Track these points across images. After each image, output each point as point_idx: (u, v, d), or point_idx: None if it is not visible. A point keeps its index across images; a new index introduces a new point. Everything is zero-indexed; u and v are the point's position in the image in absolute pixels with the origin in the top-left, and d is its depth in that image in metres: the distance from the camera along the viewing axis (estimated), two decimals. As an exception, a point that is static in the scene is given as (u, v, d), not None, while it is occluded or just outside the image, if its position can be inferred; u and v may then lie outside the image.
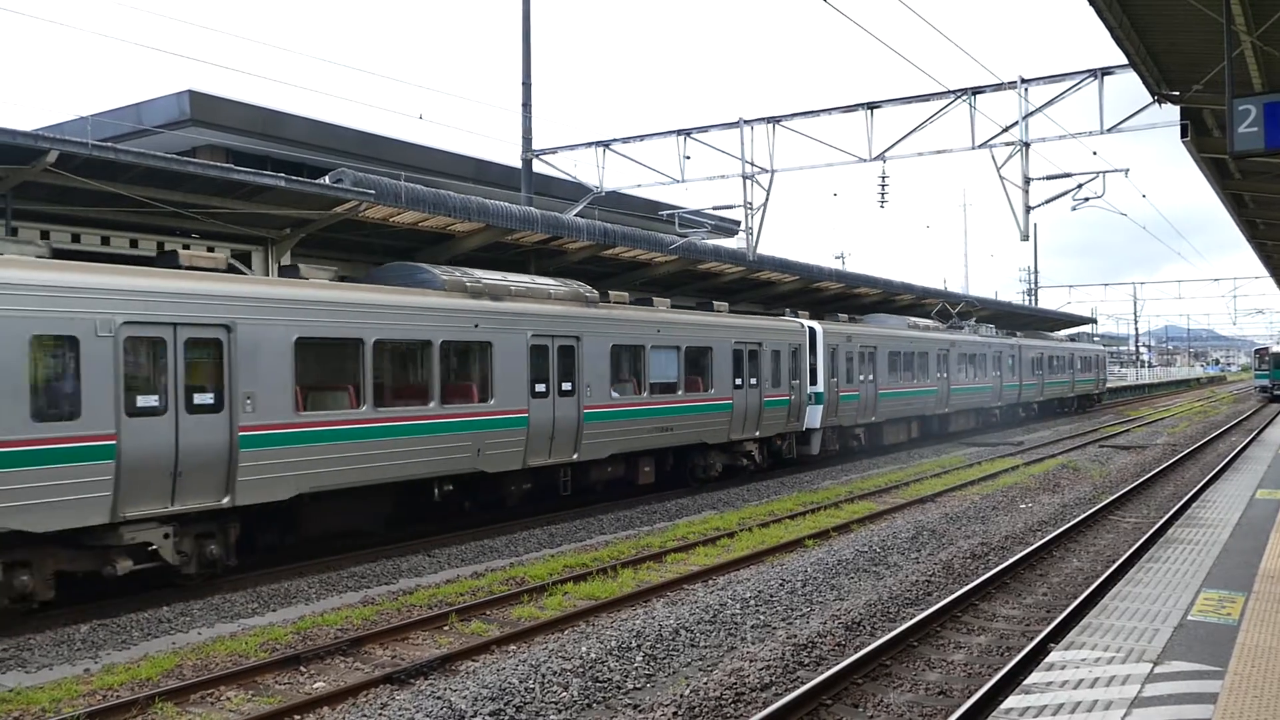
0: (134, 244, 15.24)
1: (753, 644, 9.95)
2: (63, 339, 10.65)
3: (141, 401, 11.26)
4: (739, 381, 21.91)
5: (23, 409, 10.24)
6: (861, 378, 27.37)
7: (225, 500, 12.04)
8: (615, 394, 18.47)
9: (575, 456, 17.55)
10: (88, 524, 10.78)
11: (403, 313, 14.56)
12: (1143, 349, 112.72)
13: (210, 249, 15.95)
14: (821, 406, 25.30)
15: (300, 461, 12.93)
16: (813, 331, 25.35)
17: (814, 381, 25.09)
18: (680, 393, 20.18)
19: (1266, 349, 68.07)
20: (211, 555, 12.20)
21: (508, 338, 16.16)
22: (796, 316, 26.08)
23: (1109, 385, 62.50)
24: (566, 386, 17.33)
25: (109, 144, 13.86)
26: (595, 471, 18.46)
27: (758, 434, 22.80)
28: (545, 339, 16.94)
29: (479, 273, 16.81)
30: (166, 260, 12.60)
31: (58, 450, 10.48)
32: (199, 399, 11.78)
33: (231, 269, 13.31)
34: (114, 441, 10.89)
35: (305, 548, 14.23)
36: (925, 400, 31.62)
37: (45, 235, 14.30)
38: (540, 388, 16.78)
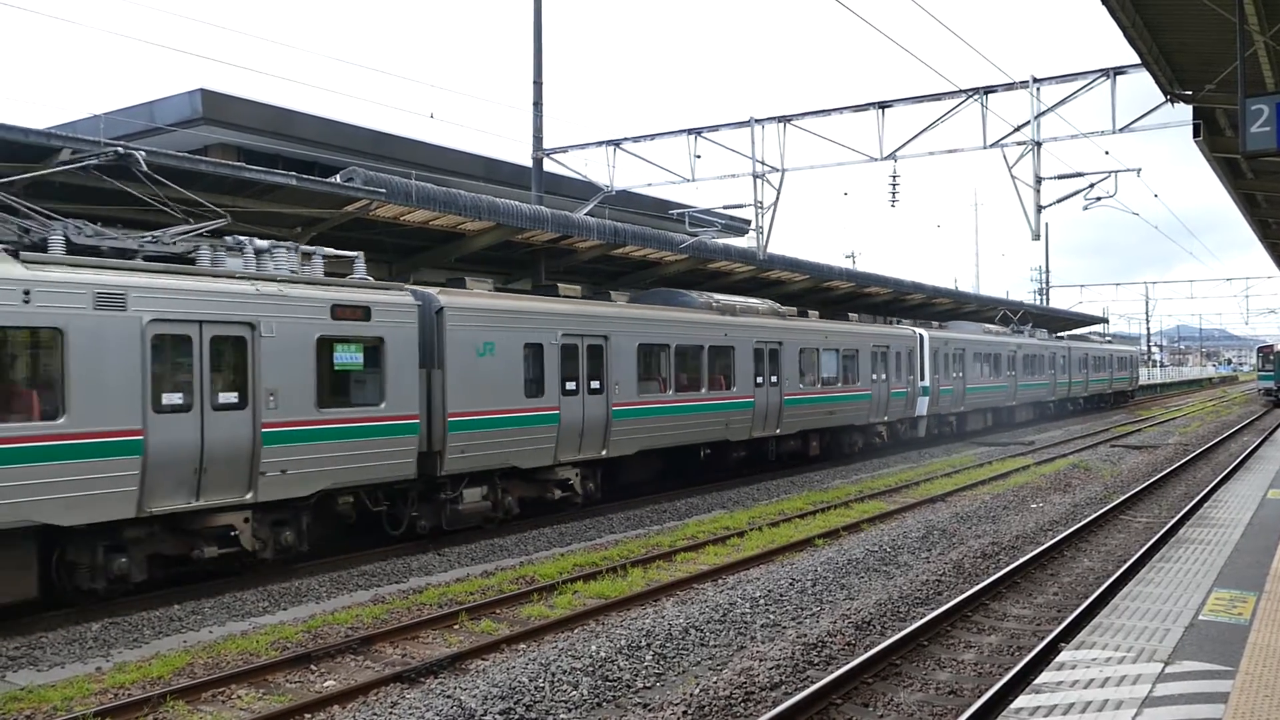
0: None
1: (762, 643, 9.95)
2: (538, 345, 16.69)
3: (568, 386, 17.22)
4: (874, 377, 27.83)
5: (519, 389, 16.23)
6: (954, 375, 33.03)
7: (603, 452, 18.11)
8: (802, 385, 24.40)
9: (778, 431, 23.68)
10: (541, 464, 16.79)
11: (690, 325, 20.70)
12: (1154, 348, 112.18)
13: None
14: (927, 398, 30.99)
15: (639, 428, 18.95)
16: (921, 336, 30.94)
17: (921, 377, 30.68)
18: (839, 385, 26.20)
19: (1272, 347, 58.71)
20: (590, 490, 18.10)
21: (742, 344, 22.20)
22: (906, 324, 31.85)
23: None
24: (774, 379, 23.37)
25: (121, 142, 13.92)
26: (785, 444, 24.48)
27: (886, 418, 28.87)
28: (763, 344, 23.04)
29: (717, 295, 23.04)
30: (547, 291, 18.73)
31: (534, 416, 16.51)
32: (593, 385, 17.83)
33: (589, 296, 19.16)
34: (557, 411, 16.95)
35: (625, 490, 20.04)
36: (999, 394, 37.67)
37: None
38: (759, 380, 22.71)
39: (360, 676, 9.18)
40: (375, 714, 8.00)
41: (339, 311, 13.50)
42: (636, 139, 25.03)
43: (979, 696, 8.21)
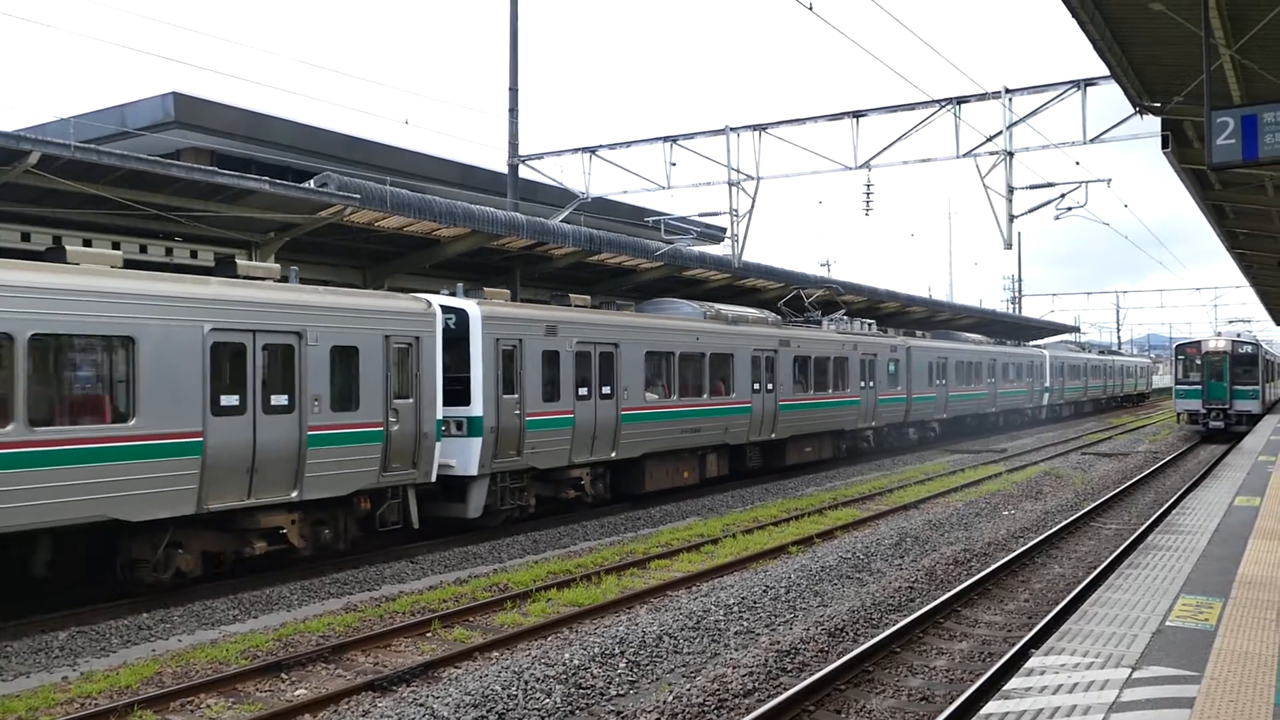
0: (116, 246, 15.14)
1: (736, 650, 9.96)
2: (930, 363, 34.58)
3: (937, 382, 34.88)
4: (1028, 379, 45.42)
5: (927, 383, 33.92)
6: (1058, 379, 50.21)
7: (944, 415, 36.23)
8: (1005, 384, 42.03)
9: (994, 409, 41.30)
10: (928, 419, 35.24)
11: (973, 352, 38.33)
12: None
13: (193, 253, 15.91)
14: (1048, 393, 48.43)
15: (961, 405, 37.54)
16: (1044, 354, 48.41)
17: (1045, 381, 48.02)
18: (1016, 383, 43.55)
19: (1199, 345, 38.28)
20: (938, 432, 36.28)
21: (988, 361, 40.28)
22: (1031, 346, 50.35)
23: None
24: (993, 381, 40.60)
25: (92, 146, 13.80)
26: (996, 419, 42.82)
27: (1030, 405, 46.29)
28: (991, 361, 40.63)
29: (973, 335, 41.71)
30: (908, 334, 34.12)
31: (930, 397, 34.65)
32: (942, 381, 35.88)
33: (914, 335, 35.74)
34: (935, 395, 35.29)
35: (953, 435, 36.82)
36: (1078, 392, 55.17)
37: (26, 238, 14.21)
38: (990, 380, 40.03)
39: (332, 685, 9.11)
40: (346, 723, 7.94)
41: (890, 349, 30.79)
42: (612, 146, 25.08)
43: (950, 703, 8.26)
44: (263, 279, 13.02)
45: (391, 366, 14.06)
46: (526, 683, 8.67)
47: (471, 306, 15.98)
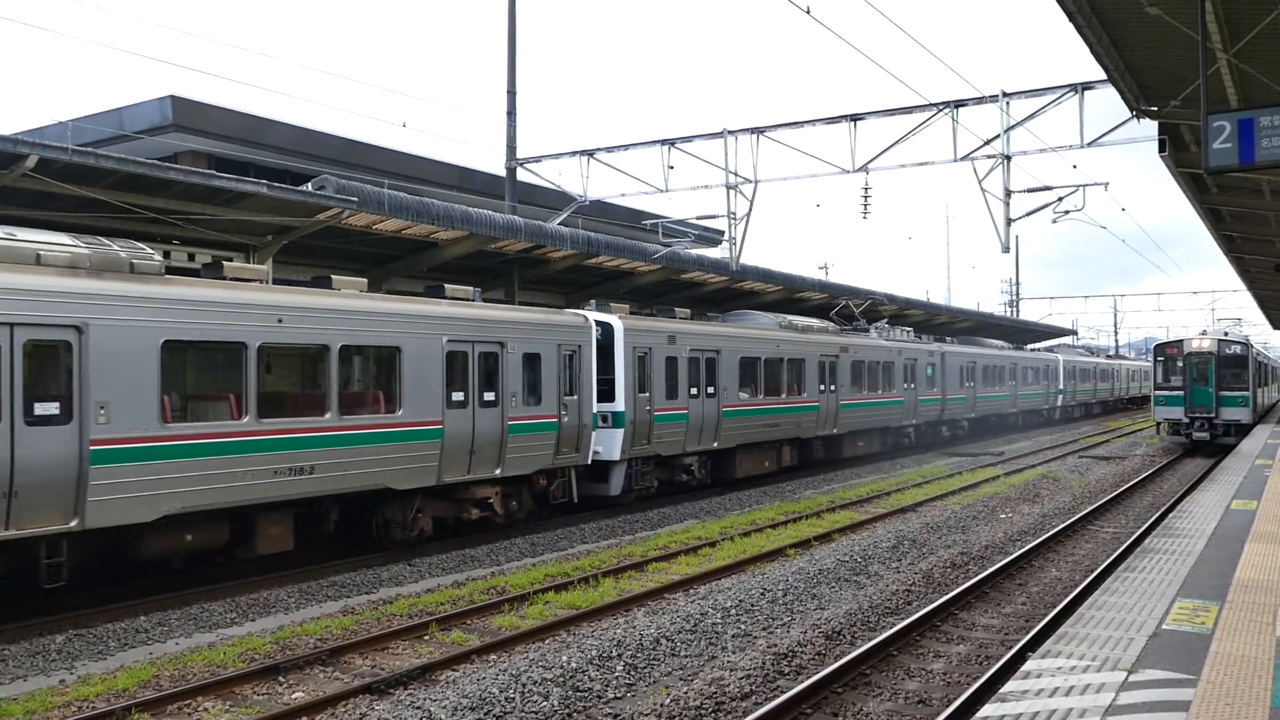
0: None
1: (733, 653, 9.97)
2: (961, 367, 37.73)
3: (965, 384, 38.74)
4: (1044, 382, 48.55)
5: (959, 385, 37.44)
6: (1071, 381, 54.27)
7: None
8: (1028, 388, 46.23)
9: (1013, 410, 44.87)
10: (963, 416, 38.73)
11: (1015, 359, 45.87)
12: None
13: (190, 255, 15.92)
14: (1062, 395, 52.13)
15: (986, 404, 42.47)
16: (1059, 360, 52.19)
17: (1060, 384, 51.83)
18: (1030, 386, 46.45)
19: (1180, 345, 32.77)
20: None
21: (1040, 367, 49.40)
22: (1043, 349, 55.16)
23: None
24: (1060, 386, 51.75)
25: (89, 149, 13.80)
26: (1068, 411, 55.83)
27: (1046, 406, 49.97)
28: (1041, 365, 49.28)
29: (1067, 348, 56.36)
30: (939, 338, 37.57)
31: (960, 397, 37.72)
32: (1002, 387, 44.45)
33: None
34: (966, 396, 39.64)
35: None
36: (1087, 394, 59.54)
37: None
38: (1037, 383, 48.11)
39: (329, 688, 9.11)
40: (343, 726, 7.93)
41: (929, 354, 33.22)
42: (610, 149, 25.09)
43: (947, 706, 8.27)
44: (464, 299, 16.07)
45: (562, 370, 17.19)
46: (524, 685, 8.68)
47: (615, 320, 19.24)
